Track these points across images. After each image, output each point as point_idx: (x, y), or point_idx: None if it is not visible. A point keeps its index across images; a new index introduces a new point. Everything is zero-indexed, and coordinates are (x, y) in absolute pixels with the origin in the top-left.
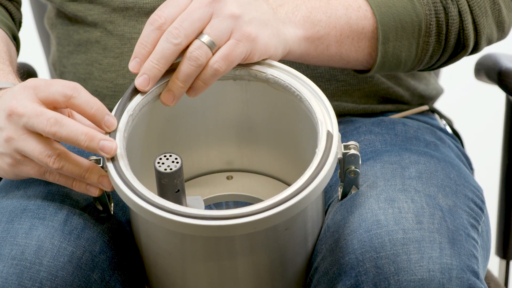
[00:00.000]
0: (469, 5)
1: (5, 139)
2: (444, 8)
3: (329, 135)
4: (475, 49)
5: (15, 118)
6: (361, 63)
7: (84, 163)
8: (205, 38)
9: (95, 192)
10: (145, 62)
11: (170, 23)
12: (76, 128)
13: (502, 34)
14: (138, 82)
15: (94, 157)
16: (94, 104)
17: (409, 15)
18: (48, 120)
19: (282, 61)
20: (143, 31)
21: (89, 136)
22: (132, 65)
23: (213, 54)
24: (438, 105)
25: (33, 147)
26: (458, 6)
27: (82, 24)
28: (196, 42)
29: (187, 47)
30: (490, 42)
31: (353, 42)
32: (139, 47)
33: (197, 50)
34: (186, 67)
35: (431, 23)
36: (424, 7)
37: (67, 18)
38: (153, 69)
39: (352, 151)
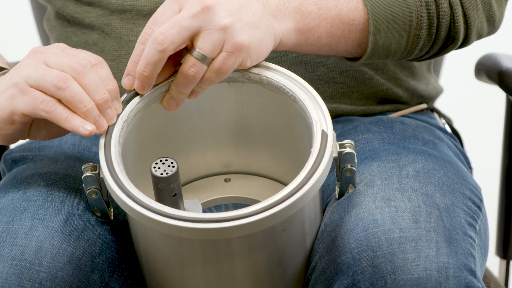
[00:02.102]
0: None
1: (20, 70)
2: (435, 0)
3: (324, 134)
4: (465, 43)
5: (38, 55)
6: (350, 53)
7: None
8: (197, 53)
9: (89, 129)
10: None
11: None
12: (99, 84)
13: (492, 29)
14: (135, 86)
15: (91, 164)
16: (111, 82)
17: (400, 6)
18: (81, 61)
19: (280, 63)
20: (134, 48)
21: (104, 99)
22: (124, 82)
23: (207, 66)
24: (438, 104)
25: (44, 72)
26: None
27: (79, 26)
28: (190, 59)
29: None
30: (480, 36)
31: (344, 33)
32: (131, 64)
33: (192, 68)
34: (183, 82)
35: (422, 15)
36: None
37: (65, 20)
38: (142, 75)
39: (348, 150)
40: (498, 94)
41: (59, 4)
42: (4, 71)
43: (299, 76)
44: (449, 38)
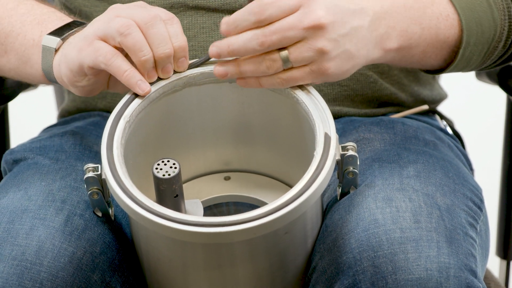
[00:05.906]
0: None
1: (92, 23)
2: None
3: (327, 138)
4: None
5: (113, 9)
6: (432, 67)
7: None
8: (284, 56)
9: (145, 90)
10: (226, 43)
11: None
12: (165, 38)
13: None
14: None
15: (92, 164)
16: (180, 40)
17: (488, 20)
18: (150, 12)
19: None
20: (246, 9)
21: (167, 54)
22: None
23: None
24: (439, 106)
25: (112, 20)
26: None
27: (87, 20)
28: (275, 54)
29: None
30: None
31: (436, 50)
32: (231, 25)
33: (272, 63)
34: (252, 66)
35: (504, 28)
36: (500, 12)
37: (73, 13)
38: (229, 53)
39: (350, 152)
40: (499, 95)
41: None
42: (83, 25)
43: None
44: None
